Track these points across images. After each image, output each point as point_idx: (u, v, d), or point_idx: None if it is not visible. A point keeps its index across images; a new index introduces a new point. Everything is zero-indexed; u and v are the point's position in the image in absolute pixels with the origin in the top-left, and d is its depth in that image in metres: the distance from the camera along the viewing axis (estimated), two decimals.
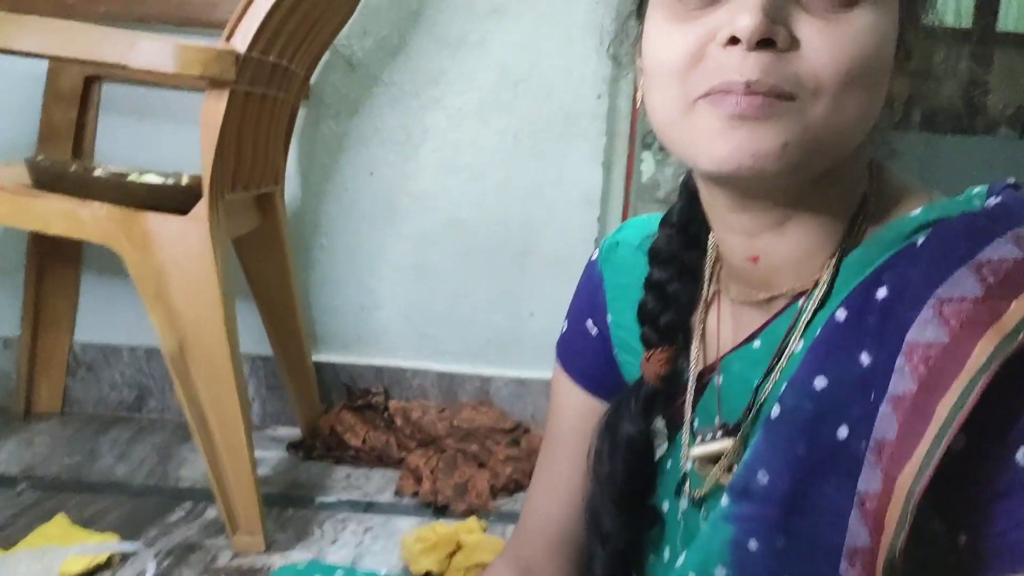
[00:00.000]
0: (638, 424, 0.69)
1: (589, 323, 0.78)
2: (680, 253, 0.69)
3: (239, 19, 1.20)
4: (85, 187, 1.27)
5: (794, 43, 0.51)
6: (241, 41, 1.20)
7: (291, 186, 1.77)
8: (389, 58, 1.78)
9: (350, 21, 1.64)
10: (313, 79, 1.73)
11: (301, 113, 1.73)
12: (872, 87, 0.53)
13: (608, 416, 0.72)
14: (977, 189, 0.59)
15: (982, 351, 0.46)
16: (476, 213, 1.81)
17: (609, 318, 0.76)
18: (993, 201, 0.55)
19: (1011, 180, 0.58)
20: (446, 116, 1.79)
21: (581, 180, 1.79)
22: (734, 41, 0.51)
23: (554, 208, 1.80)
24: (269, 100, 1.41)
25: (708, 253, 0.70)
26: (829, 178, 0.57)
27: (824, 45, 0.51)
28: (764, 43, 0.50)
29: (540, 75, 1.76)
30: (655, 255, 0.70)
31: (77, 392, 1.83)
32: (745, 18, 0.50)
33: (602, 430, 0.72)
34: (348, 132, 1.80)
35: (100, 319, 1.81)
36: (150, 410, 1.84)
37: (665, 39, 0.55)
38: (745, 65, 0.50)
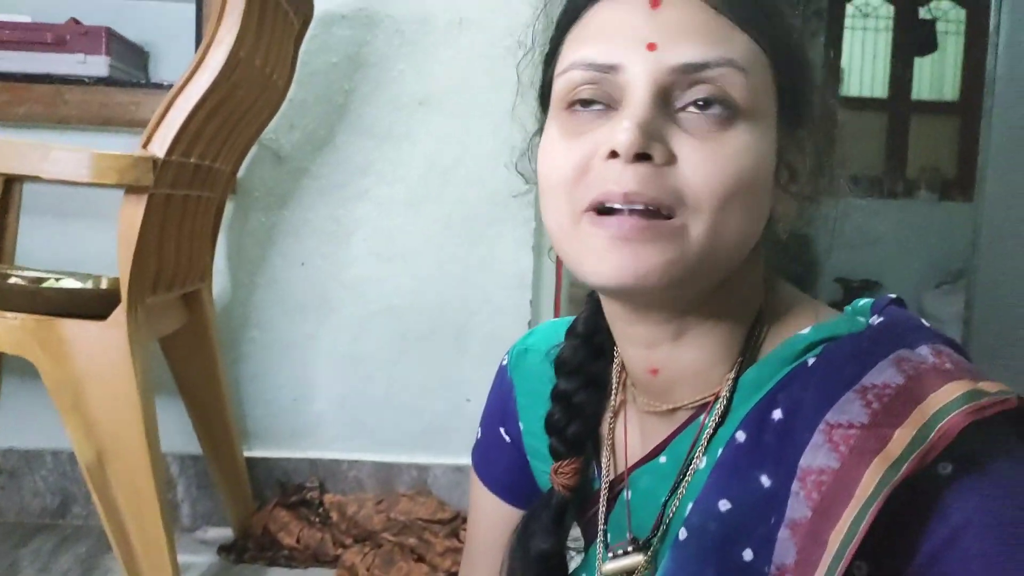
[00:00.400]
0: (550, 538, 0.69)
1: (502, 431, 0.78)
2: (585, 364, 0.70)
3: (157, 124, 1.20)
4: (0, 295, 1.24)
5: (672, 159, 0.53)
6: (159, 146, 1.20)
7: (220, 280, 1.75)
8: (317, 151, 1.79)
9: (276, 116, 1.66)
10: (240, 173, 1.73)
11: (229, 207, 1.72)
12: (750, 206, 0.55)
13: (519, 530, 0.71)
14: (863, 302, 0.61)
15: (870, 480, 0.48)
16: (409, 300, 1.81)
17: (521, 426, 0.76)
18: (876, 320, 0.57)
19: (893, 295, 0.60)
20: (376, 206, 1.80)
21: (512, 264, 1.80)
22: (614, 155, 0.53)
23: (487, 293, 1.81)
24: (192, 200, 1.40)
25: (615, 361, 0.71)
26: (722, 291, 0.58)
27: (700, 162, 0.53)
28: (642, 157, 0.52)
29: (468, 163, 1.79)
30: (561, 366, 0.71)
31: None
32: (622, 133, 0.52)
33: (514, 545, 0.71)
34: (278, 224, 1.80)
35: (21, 423, 1.75)
36: (74, 516, 1.77)
37: (556, 153, 0.57)
38: (623, 177, 0.53)
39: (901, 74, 4.98)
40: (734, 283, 0.59)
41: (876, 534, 0.47)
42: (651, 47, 0.53)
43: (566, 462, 0.68)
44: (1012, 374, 2.48)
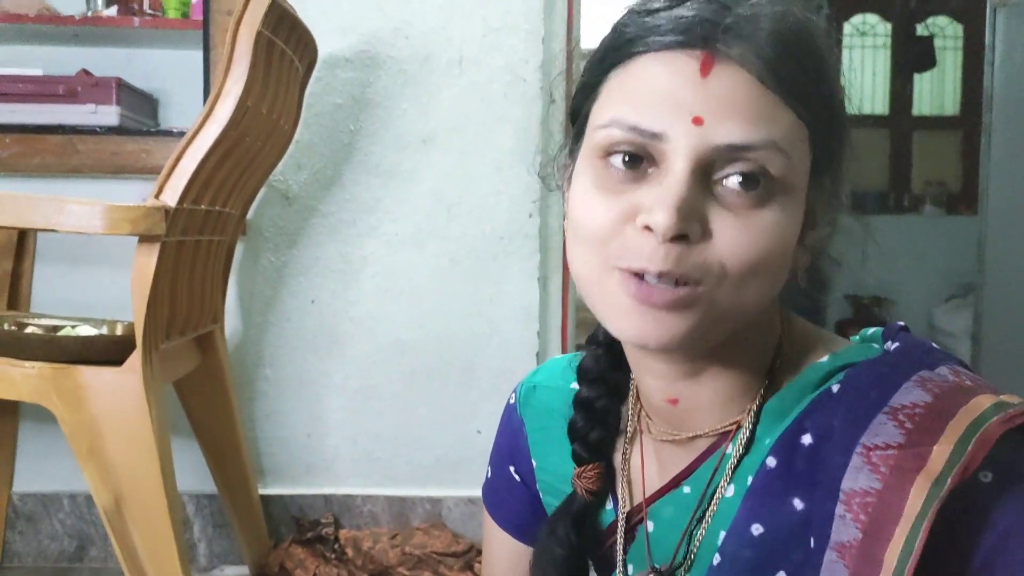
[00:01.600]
0: (573, 540, 0.70)
1: (511, 470, 0.79)
2: (607, 372, 0.71)
3: (168, 175, 1.23)
4: (17, 345, 1.27)
5: (707, 234, 0.54)
6: (171, 196, 1.23)
7: (232, 320, 1.78)
8: (324, 190, 1.82)
9: (284, 157, 1.69)
10: (250, 214, 1.76)
11: (239, 247, 1.75)
12: (773, 272, 0.57)
13: (543, 536, 0.72)
14: (871, 331, 0.63)
15: (916, 497, 0.50)
16: (418, 334, 1.83)
17: (533, 463, 0.77)
18: (891, 345, 0.59)
19: (901, 323, 0.62)
20: (384, 243, 1.83)
21: (518, 296, 1.83)
22: (650, 229, 0.53)
23: (494, 325, 1.83)
24: (204, 244, 1.43)
25: (629, 391, 0.72)
26: (740, 336, 0.60)
27: (734, 239, 0.54)
28: (678, 237, 0.53)
29: (472, 199, 1.82)
30: (583, 374, 0.72)
31: (16, 545, 1.78)
32: (661, 215, 0.52)
33: (538, 550, 0.72)
34: (288, 263, 1.83)
35: (39, 467, 1.78)
36: (92, 559, 1.78)
37: (590, 206, 0.57)
38: (657, 255, 0.53)
39: (901, 90, 5.01)
40: (752, 328, 0.61)
41: (928, 546, 0.49)
42: (697, 121, 0.53)
43: (589, 467, 0.70)
44: (1020, 392, 2.47)
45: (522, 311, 1.83)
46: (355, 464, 1.84)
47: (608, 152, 0.56)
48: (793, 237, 0.57)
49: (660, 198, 0.53)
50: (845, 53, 4.99)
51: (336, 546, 1.73)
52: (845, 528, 0.52)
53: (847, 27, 5.01)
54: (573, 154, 0.63)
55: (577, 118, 0.63)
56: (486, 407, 1.83)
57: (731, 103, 0.53)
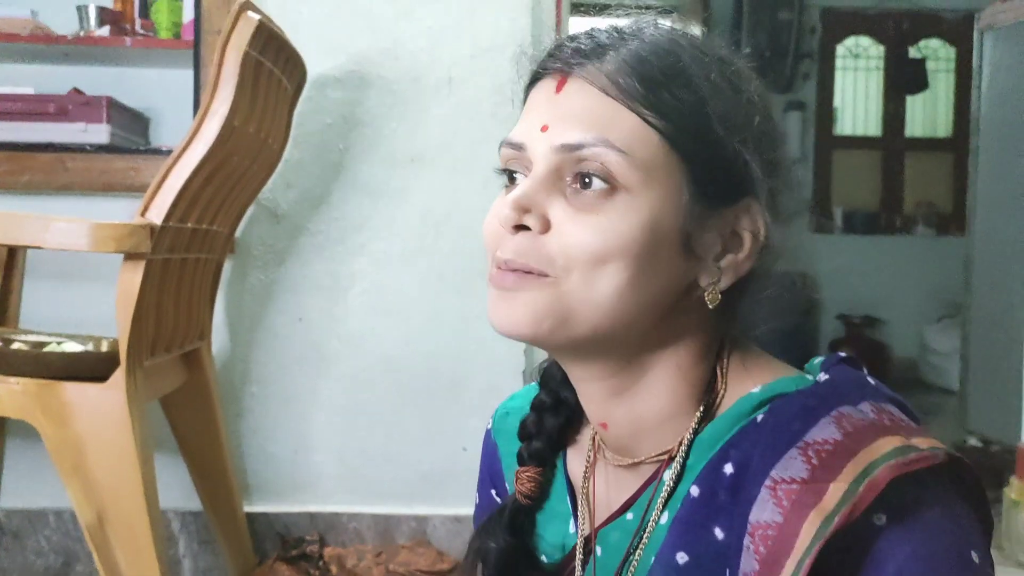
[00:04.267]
0: (504, 537, 0.72)
1: (493, 493, 0.80)
2: (564, 383, 0.72)
3: (154, 193, 1.25)
4: (3, 361, 1.28)
5: (548, 228, 0.60)
6: (157, 214, 1.24)
7: (220, 337, 1.79)
8: (313, 208, 1.84)
9: (273, 176, 1.71)
10: (239, 232, 1.78)
11: (228, 265, 1.76)
12: (629, 267, 0.58)
13: (477, 532, 0.74)
14: (817, 360, 0.64)
15: (807, 533, 0.51)
16: (405, 351, 1.84)
17: (508, 486, 0.79)
18: (823, 377, 0.60)
19: (843, 354, 0.63)
20: (372, 260, 1.84)
21: None
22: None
23: (481, 343, 1.84)
24: (191, 262, 1.44)
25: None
26: (652, 353, 0.62)
27: (571, 231, 0.59)
28: (520, 227, 0.60)
29: (459, 217, 1.84)
30: (545, 382, 0.74)
31: (3, 562, 1.78)
32: (504, 208, 0.60)
33: (471, 546, 0.74)
34: (276, 281, 1.84)
35: (25, 484, 1.78)
36: (77, 575, 1.78)
37: (488, 218, 0.64)
38: (505, 245, 0.60)
39: (894, 112, 5.05)
40: (665, 344, 0.62)
41: None
42: (544, 129, 0.61)
43: (524, 469, 0.72)
44: (1006, 412, 2.48)
45: None
46: (341, 481, 1.84)
47: (502, 169, 0.65)
48: (654, 238, 0.59)
49: (508, 196, 0.61)
50: (838, 75, 5.04)
51: (321, 563, 1.73)
52: (748, 559, 0.54)
53: (840, 49, 5.05)
54: None
55: None
56: (472, 424, 1.84)
57: (573, 111, 0.60)
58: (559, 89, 0.61)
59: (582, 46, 0.62)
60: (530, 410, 0.74)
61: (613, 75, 0.60)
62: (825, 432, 0.54)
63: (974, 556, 0.52)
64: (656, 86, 0.59)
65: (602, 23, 0.68)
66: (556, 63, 0.62)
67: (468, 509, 1.92)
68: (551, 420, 0.73)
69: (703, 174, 0.60)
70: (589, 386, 0.65)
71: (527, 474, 0.72)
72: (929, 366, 4.44)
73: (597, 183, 0.59)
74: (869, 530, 0.51)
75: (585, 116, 0.60)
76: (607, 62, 0.60)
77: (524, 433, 0.73)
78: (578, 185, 0.60)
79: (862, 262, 4.59)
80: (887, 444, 0.52)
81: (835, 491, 0.51)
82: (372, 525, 1.82)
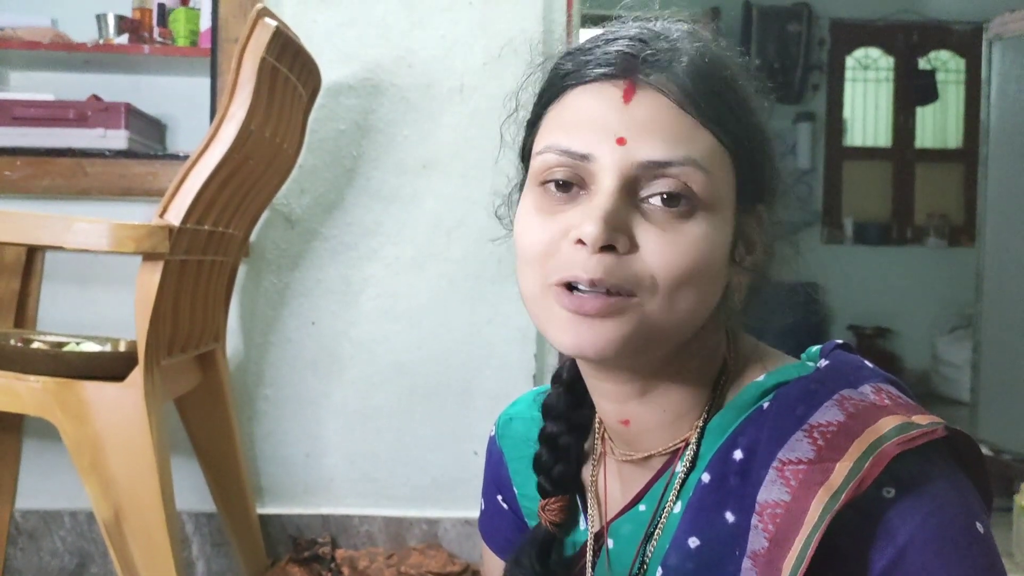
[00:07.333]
0: (538, 570, 0.72)
1: (499, 499, 0.82)
2: (569, 410, 0.74)
3: (172, 195, 1.27)
4: (23, 360, 1.30)
5: (634, 247, 0.58)
6: (175, 215, 1.26)
7: (234, 340, 1.81)
8: (327, 213, 1.86)
9: (287, 181, 1.73)
10: (253, 236, 1.80)
11: (242, 269, 1.79)
12: (703, 285, 0.60)
13: (510, 563, 0.75)
14: (814, 349, 0.66)
15: (815, 509, 0.53)
16: (417, 356, 1.86)
17: (515, 491, 0.80)
18: (823, 363, 0.62)
19: (839, 341, 0.65)
20: (384, 265, 1.86)
21: (516, 319, 1.85)
22: (582, 242, 0.58)
23: (492, 348, 1.86)
24: (207, 264, 1.46)
25: (595, 414, 0.75)
26: (683, 354, 0.63)
27: (660, 251, 0.58)
28: (607, 248, 0.58)
29: (471, 222, 1.85)
30: (547, 411, 0.75)
31: (18, 562, 1.79)
32: (590, 226, 0.57)
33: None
34: (289, 285, 1.86)
35: (41, 484, 1.80)
36: None
37: (530, 227, 0.62)
38: (588, 265, 0.58)
39: (904, 123, 5.05)
40: (693, 346, 0.64)
41: (832, 558, 0.52)
42: (620, 141, 0.58)
43: (552, 500, 0.72)
44: (1018, 422, 2.48)
45: (519, 333, 1.85)
46: (353, 484, 1.86)
47: (545, 178, 0.61)
48: (720, 251, 0.61)
49: (589, 212, 0.58)
50: (848, 87, 5.05)
51: (332, 565, 1.74)
52: (757, 538, 0.55)
53: (850, 60, 5.06)
54: (522, 188, 0.68)
55: (524, 155, 0.68)
56: (483, 428, 1.83)
57: (652, 125, 0.58)
58: (628, 98, 0.59)
59: (638, 51, 0.60)
60: (541, 443, 0.74)
61: (688, 88, 0.59)
62: (829, 414, 0.56)
63: (979, 527, 0.54)
64: (721, 103, 0.60)
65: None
66: (611, 68, 0.60)
67: (478, 513, 1.94)
68: (571, 444, 0.73)
69: (747, 185, 0.62)
70: (617, 388, 0.65)
71: (556, 504, 0.72)
72: (941, 377, 4.43)
73: (678, 202, 0.58)
74: (879, 503, 0.53)
75: (665, 131, 0.58)
76: (674, 71, 0.59)
77: (540, 466, 0.73)
78: (658, 202, 0.58)
79: (873, 273, 4.60)
80: (889, 423, 0.54)
81: (841, 468, 0.53)
82: (384, 528, 1.83)
